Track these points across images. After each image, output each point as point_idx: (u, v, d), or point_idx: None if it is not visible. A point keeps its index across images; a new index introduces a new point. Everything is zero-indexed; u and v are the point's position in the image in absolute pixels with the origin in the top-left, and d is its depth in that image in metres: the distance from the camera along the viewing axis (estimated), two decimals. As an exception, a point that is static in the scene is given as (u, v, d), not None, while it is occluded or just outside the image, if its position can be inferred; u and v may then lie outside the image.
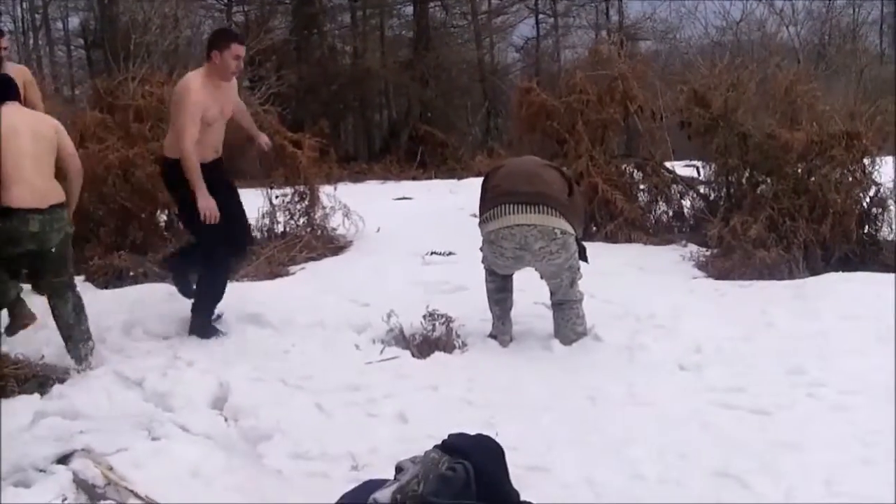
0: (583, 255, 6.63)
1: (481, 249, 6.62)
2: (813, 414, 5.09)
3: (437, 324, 6.64)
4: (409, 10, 29.60)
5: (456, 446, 3.77)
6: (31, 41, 26.99)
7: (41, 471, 4.40)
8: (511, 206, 6.33)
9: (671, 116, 10.83)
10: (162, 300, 7.78)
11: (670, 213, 10.90)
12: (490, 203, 6.51)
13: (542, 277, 6.64)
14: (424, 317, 6.70)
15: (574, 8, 31.31)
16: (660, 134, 10.91)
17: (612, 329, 6.65)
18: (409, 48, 28.63)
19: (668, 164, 11.03)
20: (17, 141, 5.82)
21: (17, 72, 8.01)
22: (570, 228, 6.37)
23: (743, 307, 7.21)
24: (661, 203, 10.97)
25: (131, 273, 8.79)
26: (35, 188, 5.82)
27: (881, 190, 9.24)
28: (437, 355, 6.31)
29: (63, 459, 4.49)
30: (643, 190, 11.03)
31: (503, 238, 6.33)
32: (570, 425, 5.03)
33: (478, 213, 6.76)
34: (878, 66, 16.62)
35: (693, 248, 9.39)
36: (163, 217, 10.02)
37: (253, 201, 10.33)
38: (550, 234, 6.26)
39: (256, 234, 10.30)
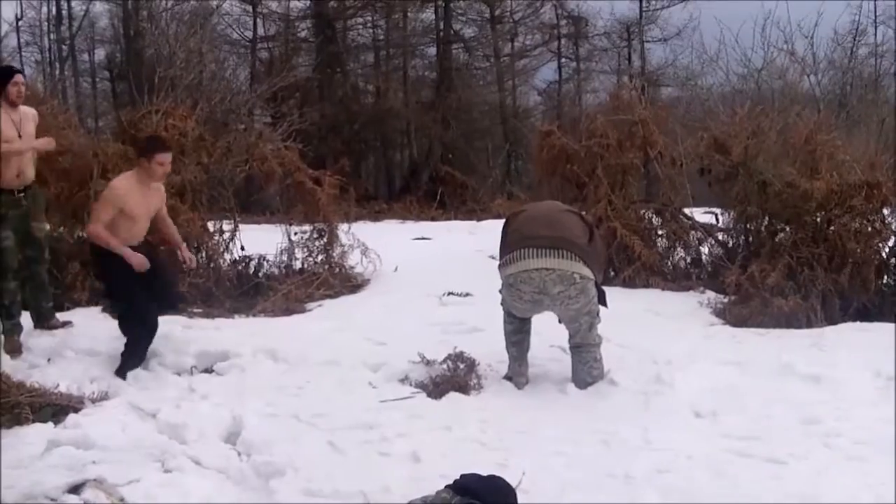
0: (602, 300, 6.61)
1: (500, 292, 6.62)
2: (828, 464, 5.06)
3: (460, 365, 6.65)
4: (432, 50, 29.75)
5: (467, 486, 3.77)
6: (58, 72, 27.23)
7: (52, 500, 4.41)
8: (531, 250, 6.34)
9: (691, 163, 10.82)
10: (178, 332, 7.81)
11: (688, 260, 10.87)
12: (510, 247, 6.52)
13: (560, 322, 6.64)
14: (449, 357, 6.70)
15: (596, 53, 31.41)
16: (679, 180, 10.90)
17: (628, 374, 6.62)
18: (431, 89, 28.75)
19: (687, 211, 11.02)
20: None
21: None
22: (589, 273, 6.36)
23: (760, 355, 7.16)
24: (679, 249, 10.94)
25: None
26: None
27: (901, 240, 9.22)
28: (452, 395, 6.29)
29: (75, 489, 4.50)
30: (662, 235, 11.01)
31: (522, 282, 6.33)
32: (584, 469, 5.01)
33: (497, 256, 6.77)
34: (900, 116, 16.63)
35: (710, 294, 9.35)
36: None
37: (272, 237, 10.39)
38: (569, 278, 6.26)
39: (274, 269, 10.32)
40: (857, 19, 27.88)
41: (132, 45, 24.33)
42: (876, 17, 29.56)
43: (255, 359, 7.14)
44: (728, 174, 10.13)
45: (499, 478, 3.99)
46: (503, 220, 7.03)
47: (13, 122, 7.54)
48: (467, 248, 12.77)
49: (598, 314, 6.53)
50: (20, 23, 28.57)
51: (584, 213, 7.71)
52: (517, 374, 6.62)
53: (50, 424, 5.57)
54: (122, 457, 4.99)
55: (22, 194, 7.64)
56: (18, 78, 7.79)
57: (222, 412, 5.78)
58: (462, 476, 3.88)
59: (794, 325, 8.23)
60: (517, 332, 6.67)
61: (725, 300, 9.06)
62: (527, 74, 32.06)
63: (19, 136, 7.59)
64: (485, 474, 3.99)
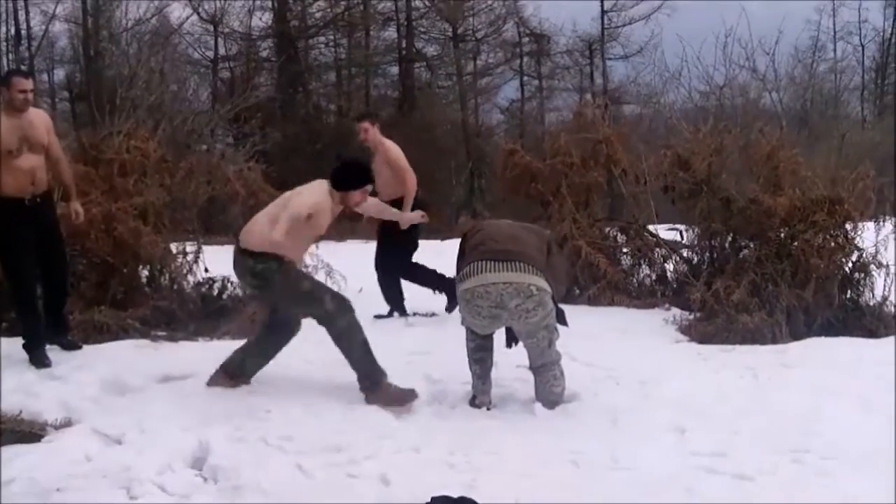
0: (561, 319, 6.59)
1: (459, 309, 6.61)
2: (796, 479, 5.06)
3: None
4: (395, 69, 29.93)
5: (438, 509, 3.75)
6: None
7: (16, 529, 4.34)
8: (487, 263, 6.33)
9: (655, 180, 10.88)
10: (143, 356, 7.74)
11: (653, 277, 10.92)
12: (466, 260, 6.52)
13: (518, 339, 6.62)
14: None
15: (558, 70, 31.65)
16: (643, 197, 10.96)
17: (594, 393, 6.63)
18: (393, 108, 28.86)
19: (651, 228, 11.06)
20: None
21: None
22: (546, 286, 6.33)
23: (725, 371, 7.20)
24: (644, 266, 10.99)
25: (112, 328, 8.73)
26: None
27: (863, 255, 9.30)
28: (420, 417, 6.27)
29: (39, 517, 4.44)
30: (626, 253, 11.06)
31: (479, 297, 6.31)
32: (553, 489, 4.99)
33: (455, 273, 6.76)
34: (860, 131, 16.83)
35: (676, 311, 9.40)
36: (144, 272, 9.97)
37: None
38: (526, 290, 6.24)
39: (238, 291, 10.24)
40: (816, 35, 28.33)
41: (92, 65, 24.27)
42: (835, 33, 30.04)
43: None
44: (691, 191, 10.18)
45: (470, 500, 3.97)
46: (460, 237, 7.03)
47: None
48: (432, 267, 12.72)
49: (555, 329, 6.50)
50: (-22, 42, 28.43)
51: (547, 230, 7.72)
52: (481, 392, 6.59)
53: (13, 451, 5.49)
54: (87, 484, 4.93)
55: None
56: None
57: (188, 437, 5.71)
58: (433, 499, 3.86)
59: (759, 341, 8.28)
60: (479, 350, 6.63)
61: (691, 317, 9.11)
62: (489, 93, 32.32)
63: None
64: (455, 496, 3.97)
